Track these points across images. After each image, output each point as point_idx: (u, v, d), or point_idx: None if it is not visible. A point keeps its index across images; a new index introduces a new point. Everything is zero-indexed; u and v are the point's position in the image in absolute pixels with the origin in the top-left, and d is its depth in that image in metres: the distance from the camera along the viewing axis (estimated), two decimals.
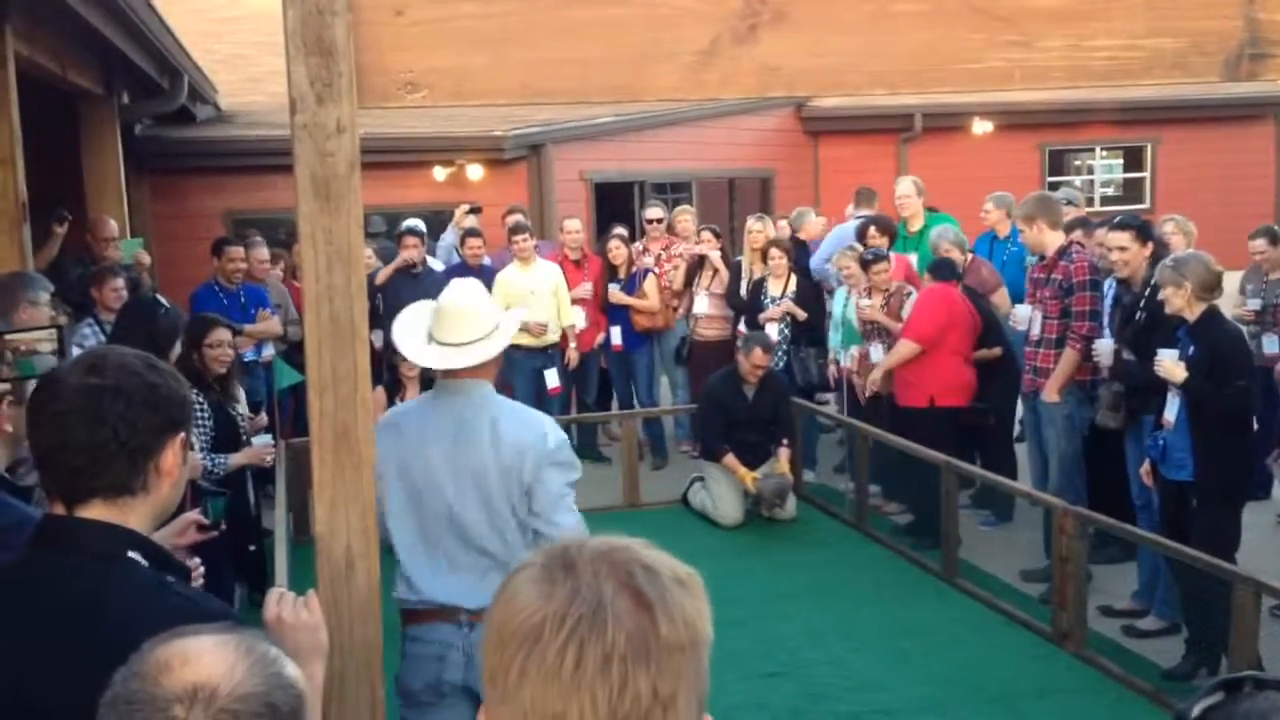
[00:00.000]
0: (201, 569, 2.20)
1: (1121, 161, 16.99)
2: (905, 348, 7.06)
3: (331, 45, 2.07)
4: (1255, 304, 7.30)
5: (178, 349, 5.24)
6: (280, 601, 2.07)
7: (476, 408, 3.27)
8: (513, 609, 1.07)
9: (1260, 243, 7.47)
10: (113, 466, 1.78)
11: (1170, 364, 5.10)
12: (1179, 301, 5.08)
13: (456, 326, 3.20)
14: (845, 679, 5.11)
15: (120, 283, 6.41)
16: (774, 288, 8.38)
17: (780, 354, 8.24)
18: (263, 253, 8.17)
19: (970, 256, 7.70)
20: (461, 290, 3.28)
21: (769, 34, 2.30)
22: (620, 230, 9.42)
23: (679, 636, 1.06)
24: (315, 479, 2.20)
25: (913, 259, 8.13)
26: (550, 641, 1.03)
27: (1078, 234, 6.64)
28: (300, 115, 2.10)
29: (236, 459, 5.44)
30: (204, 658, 1.23)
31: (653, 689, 1.03)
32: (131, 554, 1.78)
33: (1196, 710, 1.14)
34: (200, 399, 5.32)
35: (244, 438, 5.65)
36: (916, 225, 8.36)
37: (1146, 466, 5.42)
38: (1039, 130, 15.29)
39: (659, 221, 9.51)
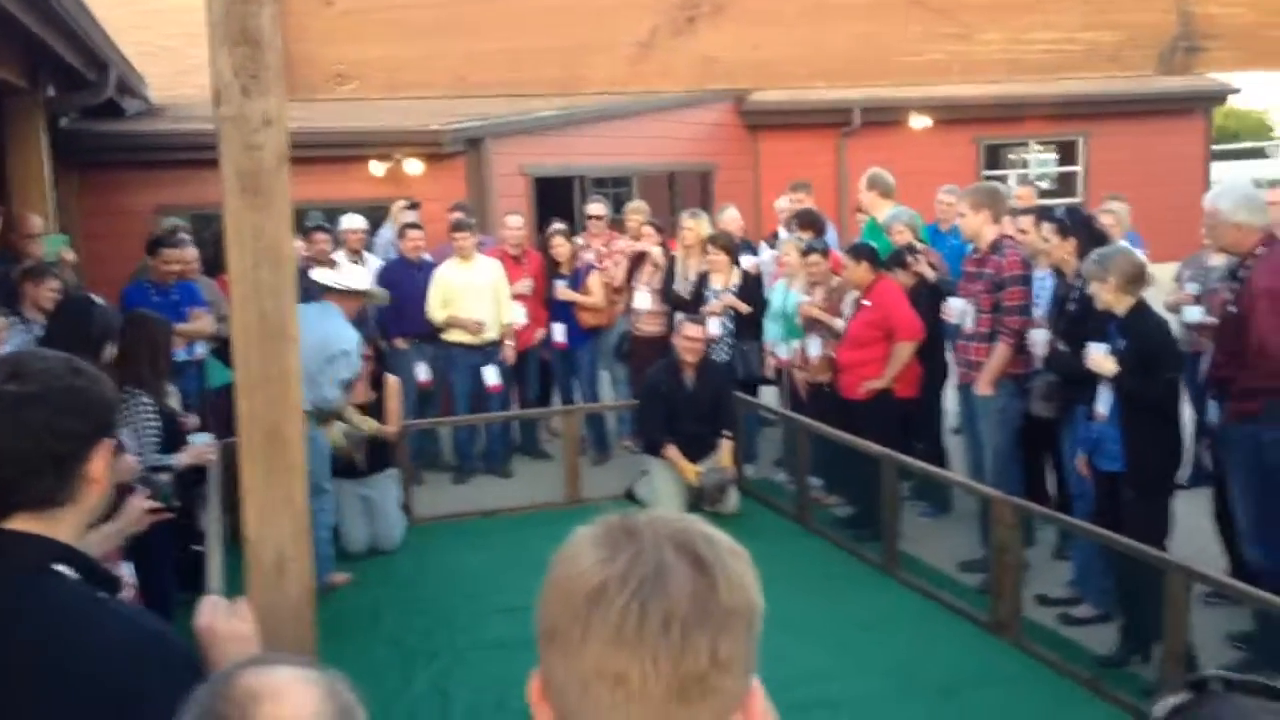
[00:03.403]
0: (134, 580, 2.12)
1: (1056, 155, 17.26)
2: (908, 349, 7.02)
3: (257, 35, 2.01)
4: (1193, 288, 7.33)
5: (112, 349, 5.12)
6: (212, 610, 2.01)
7: (326, 312, 6.09)
8: (576, 570, 1.09)
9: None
10: (40, 478, 1.69)
11: (1099, 357, 5.17)
12: (1107, 296, 5.16)
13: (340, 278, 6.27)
14: (787, 671, 5.10)
15: (56, 283, 6.28)
16: (716, 282, 8.39)
17: (724, 348, 8.26)
18: (191, 251, 8.00)
19: (922, 244, 7.75)
20: (350, 269, 6.72)
21: (707, 25, 2.27)
22: (560, 226, 9.37)
23: (736, 601, 1.08)
24: (244, 482, 2.13)
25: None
26: (614, 601, 1.05)
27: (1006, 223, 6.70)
28: (225, 108, 2.03)
29: (183, 458, 5.34)
30: (293, 696, 1.23)
31: (711, 650, 1.05)
32: (59, 567, 1.70)
33: (1162, 711, 1.12)
34: (145, 399, 5.21)
35: (185, 437, 5.57)
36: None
37: (1082, 458, 5.49)
38: (975, 125, 15.46)
39: (600, 218, 9.46)
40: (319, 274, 6.41)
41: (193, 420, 6.16)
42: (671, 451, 7.46)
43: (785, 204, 9.27)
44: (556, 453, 8.77)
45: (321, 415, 6.44)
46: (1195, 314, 6.78)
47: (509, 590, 6.13)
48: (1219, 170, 17.41)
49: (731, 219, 9.34)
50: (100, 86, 8.62)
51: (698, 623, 1.04)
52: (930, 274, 7.38)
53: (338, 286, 6.21)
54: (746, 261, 8.55)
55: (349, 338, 6.18)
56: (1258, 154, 27.99)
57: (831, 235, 9.05)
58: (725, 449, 7.60)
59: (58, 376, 1.72)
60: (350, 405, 6.85)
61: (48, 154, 8.25)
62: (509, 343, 8.68)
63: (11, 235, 7.19)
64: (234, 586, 3.53)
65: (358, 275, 6.51)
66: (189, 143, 10.05)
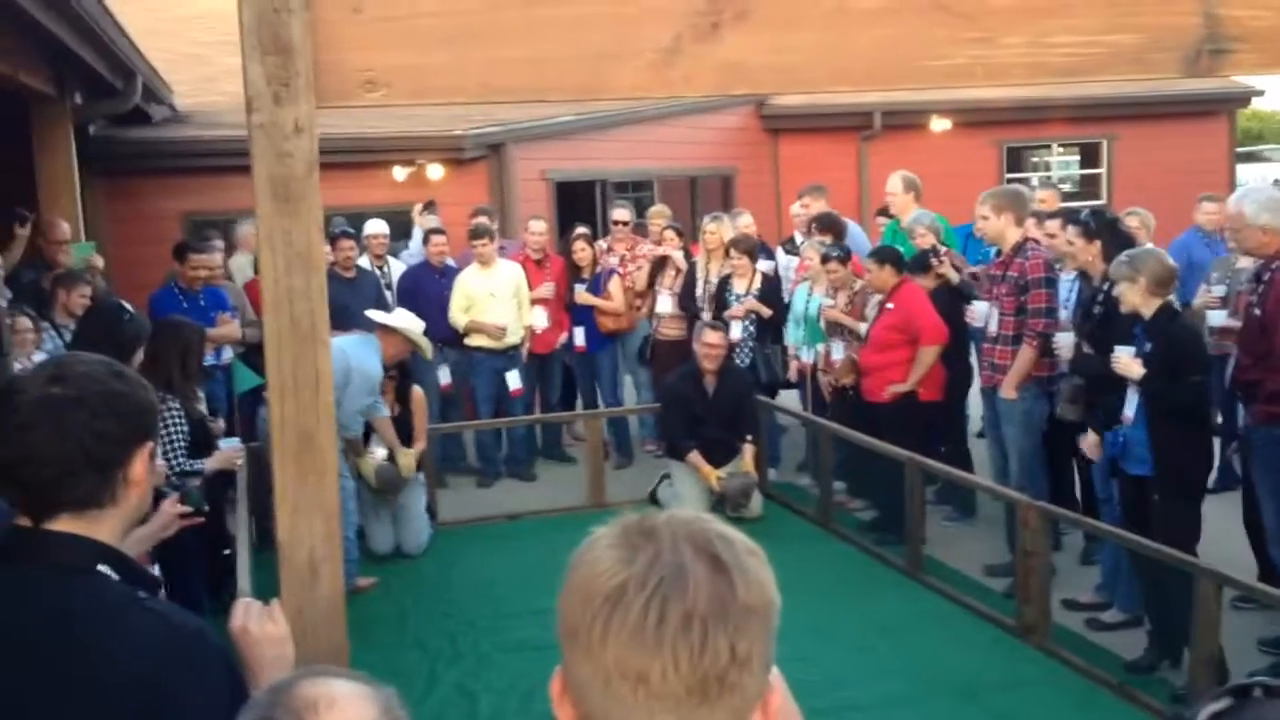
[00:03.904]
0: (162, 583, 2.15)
1: (1078, 158, 17.17)
2: (932, 354, 6.99)
3: (289, 44, 2.03)
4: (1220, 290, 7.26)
5: (140, 355, 5.17)
6: (246, 612, 2.03)
7: (366, 343, 6.59)
8: (595, 570, 1.11)
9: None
10: (81, 480, 1.72)
11: (1127, 360, 5.14)
12: (1134, 298, 5.12)
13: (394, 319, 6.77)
14: (812, 675, 5.11)
15: (87, 289, 6.35)
16: (739, 286, 8.39)
17: (746, 352, 8.25)
18: (217, 258, 8.07)
19: (944, 248, 7.71)
20: (404, 313, 7.06)
21: (731, 31, 2.29)
22: (584, 230, 9.39)
23: (753, 599, 1.10)
24: (277, 485, 2.15)
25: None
26: (634, 601, 1.07)
27: (1031, 226, 6.67)
28: (257, 115, 2.06)
29: (211, 464, 5.39)
30: (350, 709, 1.26)
31: (730, 648, 1.07)
32: (101, 567, 1.73)
33: (1202, 716, 1.12)
34: (174, 404, 5.25)
35: (214, 442, 5.62)
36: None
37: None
38: (997, 128, 15.41)
39: (625, 223, 9.46)
40: (373, 314, 6.97)
41: (220, 425, 6.21)
42: (694, 456, 7.46)
43: (797, 209, 9.24)
44: (580, 457, 8.78)
45: (353, 446, 6.66)
46: (1219, 317, 6.73)
47: (533, 593, 6.15)
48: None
49: (746, 224, 9.28)
50: (127, 94, 8.70)
51: (717, 621, 1.06)
52: (954, 276, 7.36)
53: (385, 323, 6.73)
54: (763, 265, 8.54)
55: (365, 364, 6.44)
56: (1256, 158, 27.65)
57: (859, 236, 9.00)
58: (747, 453, 7.60)
59: (99, 380, 1.75)
60: (383, 420, 6.93)
61: (75, 161, 8.33)
62: (525, 345, 8.71)
63: (40, 242, 7.27)
64: (262, 589, 3.57)
65: (408, 319, 6.88)
66: (216, 149, 10.13)
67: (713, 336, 7.55)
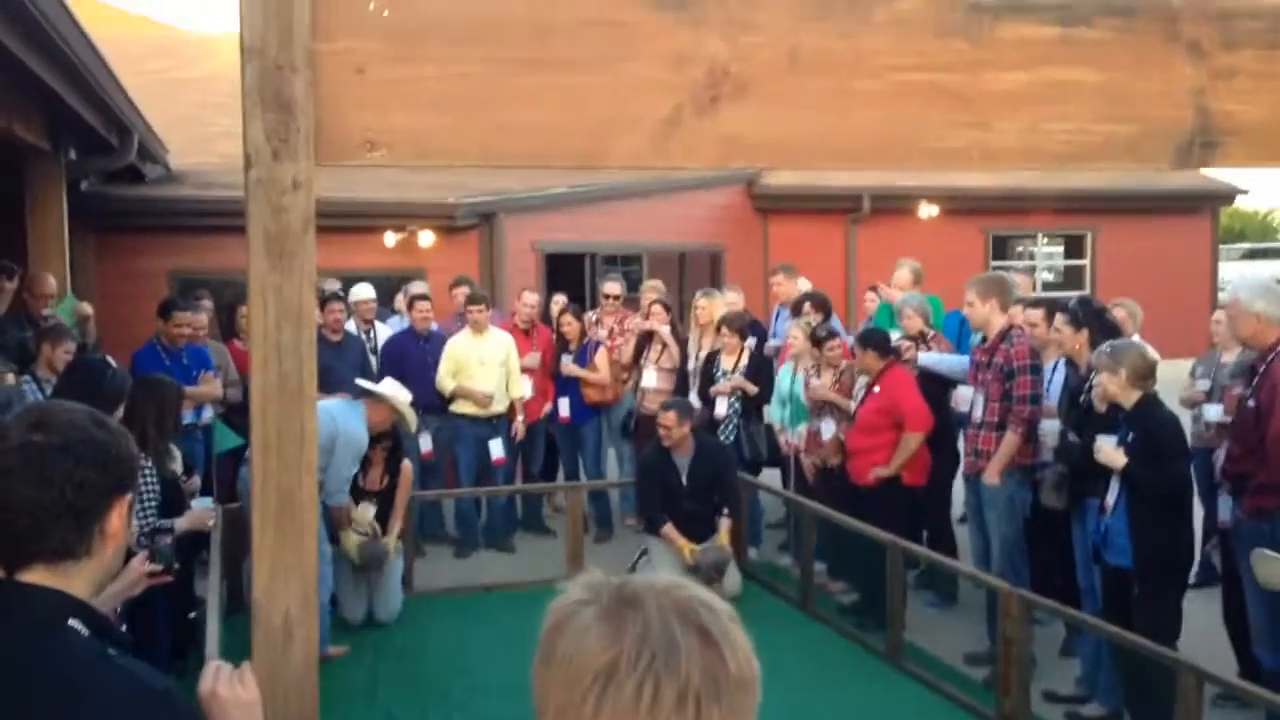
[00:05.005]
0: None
1: (1063, 249, 17.39)
2: (916, 440, 6.99)
3: (290, 100, 2.04)
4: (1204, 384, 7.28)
5: (121, 412, 5.12)
6: (216, 675, 1.98)
7: (353, 410, 6.57)
8: (584, 645, 1.08)
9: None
10: (57, 529, 1.69)
11: (1109, 450, 5.15)
12: (1114, 388, 5.16)
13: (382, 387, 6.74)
14: None
15: (72, 345, 6.33)
16: (726, 362, 8.38)
17: (731, 428, 8.22)
18: (202, 317, 8.05)
19: (932, 331, 7.74)
20: (392, 384, 6.91)
21: (730, 106, 2.30)
22: (561, 300, 9.41)
23: (744, 672, 1.10)
24: (255, 544, 2.11)
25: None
26: (626, 678, 1.05)
27: (1016, 313, 6.71)
28: (255, 170, 2.05)
29: (182, 523, 5.31)
30: None
31: None
32: (73, 622, 1.69)
33: None
34: (146, 463, 5.19)
35: (186, 501, 5.55)
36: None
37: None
38: (984, 215, 15.62)
39: (616, 297, 9.48)
40: (362, 382, 6.98)
41: (195, 483, 6.14)
42: (668, 529, 7.40)
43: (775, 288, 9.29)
44: (560, 529, 8.70)
45: (338, 517, 6.61)
46: (1215, 412, 6.71)
47: (507, 668, 6.03)
48: None
49: (733, 300, 9.27)
50: (123, 151, 8.74)
51: (711, 697, 1.05)
52: (909, 359, 7.35)
53: (373, 391, 6.71)
54: (749, 342, 8.55)
55: (351, 430, 6.40)
56: None
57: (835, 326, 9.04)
58: (724, 529, 7.53)
59: (81, 429, 1.73)
60: (366, 493, 6.88)
61: (66, 216, 8.34)
62: (519, 417, 8.67)
63: (25, 296, 7.25)
64: (230, 653, 3.49)
65: (395, 388, 6.84)
66: (206, 209, 10.18)
67: (664, 418, 7.48)
